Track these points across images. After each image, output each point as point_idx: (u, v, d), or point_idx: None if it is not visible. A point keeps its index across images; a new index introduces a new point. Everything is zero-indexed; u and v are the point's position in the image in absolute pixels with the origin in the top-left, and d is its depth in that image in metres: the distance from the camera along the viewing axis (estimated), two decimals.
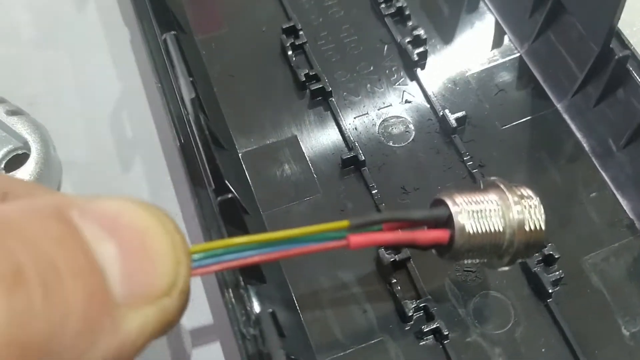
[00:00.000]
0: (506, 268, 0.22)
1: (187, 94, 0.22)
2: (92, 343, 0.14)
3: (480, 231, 0.21)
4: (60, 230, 0.15)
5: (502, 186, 0.22)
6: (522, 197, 0.21)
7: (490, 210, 0.21)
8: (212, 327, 0.27)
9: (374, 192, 0.29)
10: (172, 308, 0.16)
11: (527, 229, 0.21)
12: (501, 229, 0.21)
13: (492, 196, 0.21)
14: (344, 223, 0.20)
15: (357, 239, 0.20)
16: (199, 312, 0.28)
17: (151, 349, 0.27)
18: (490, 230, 0.21)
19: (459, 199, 0.21)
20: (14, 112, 0.30)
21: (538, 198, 0.22)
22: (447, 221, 0.21)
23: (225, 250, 0.19)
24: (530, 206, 0.21)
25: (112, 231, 0.15)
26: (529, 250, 0.22)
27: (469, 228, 0.21)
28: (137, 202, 0.16)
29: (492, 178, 0.22)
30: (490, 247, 0.21)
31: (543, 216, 0.21)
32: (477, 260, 0.22)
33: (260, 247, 0.19)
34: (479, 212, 0.21)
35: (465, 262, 0.22)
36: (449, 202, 0.21)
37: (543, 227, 0.21)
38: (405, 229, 0.21)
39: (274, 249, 0.20)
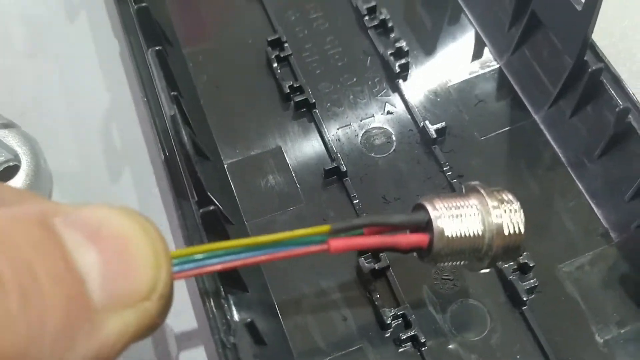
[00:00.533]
0: (486, 270, 0.23)
1: (167, 110, 0.23)
2: (70, 347, 0.15)
3: (459, 235, 0.21)
4: (41, 237, 0.15)
5: (482, 191, 0.22)
6: (502, 201, 0.22)
7: (469, 215, 0.21)
8: (196, 332, 0.28)
9: (355, 202, 0.29)
10: (153, 312, 0.16)
11: (506, 232, 0.22)
12: (480, 233, 0.22)
13: (472, 201, 0.22)
14: (325, 228, 0.21)
15: (337, 243, 0.21)
16: (184, 317, 0.28)
17: (137, 354, 0.28)
18: (469, 234, 0.21)
19: (438, 203, 0.22)
20: (5, 125, 0.30)
21: (518, 203, 0.22)
22: (426, 225, 0.22)
23: (207, 255, 0.19)
24: (510, 210, 0.22)
25: (94, 238, 0.16)
26: (508, 254, 0.22)
27: (447, 232, 0.21)
28: (121, 210, 0.17)
29: (473, 183, 0.23)
30: (470, 251, 0.22)
31: (523, 220, 0.22)
32: (457, 263, 0.22)
33: (241, 251, 0.20)
34: (458, 216, 0.21)
35: (445, 264, 0.22)
36: (429, 207, 0.22)
37: (522, 231, 0.22)
38: (385, 234, 0.22)
39: (255, 254, 0.20)
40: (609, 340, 0.26)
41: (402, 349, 0.26)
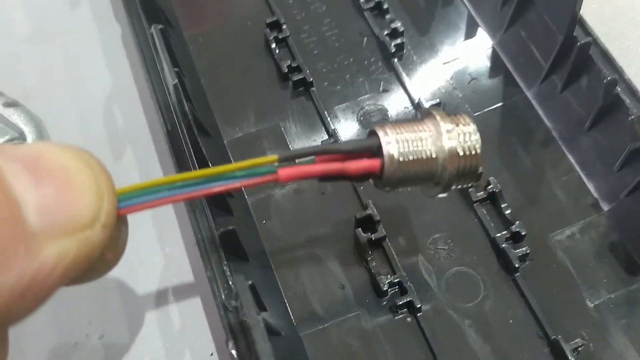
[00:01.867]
0: (444, 195, 0.23)
1: (170, 81, 0.24)
2: (5, 267, 0.15)
3: (410, 158, 0.21)
4: None
5: (436, 114, 0.22)
6: (457, 123, 0.22)
7: (421, 138, 0.21)
8: (193, 285, 0.29)
9: None
10: (94, 240, 0.17)
11: (460, 153, 0.21)
12: (433, 155, 0.21)
13: (426, 125, 0.22)
14: (274, 157, 0.20)
15: (286, 171, 0.20)
16: (181, 271, 0.29)
17: (133, 289, 0.29)
18: (420, 156, 0.21)
19: (390, 129, 0.21)
20: (11, 104, 0.31)
21: (475, 126, 0.22)
22: (378, 151, 0.21)
23: (156, 189, 0.19)
24: (465, 133, 0.22)
25: (32, 168, 0.17)
26: (465, 176, 0.22)
27: (398, 156, 0.21)
28: (61, 145, 0.18)
29: (428, 107, 0.23)
30: (424, 174, 0.22)
31: (478, 142, 0.22)
32: (413, 188, 0.22)
33: (192, 184, 0.20)
34: (409, 140, 0.21)
35: (401, 189, 0.22)
36: (380, 132, 0.21)
37: (478, 152, 0.22)
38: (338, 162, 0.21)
39: (205, 186, 0.20)
40: (599, 304, 0.27)
41: (398, 316, 0.27)
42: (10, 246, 0.15)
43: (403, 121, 0.22)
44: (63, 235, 0.17)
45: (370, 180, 0.23)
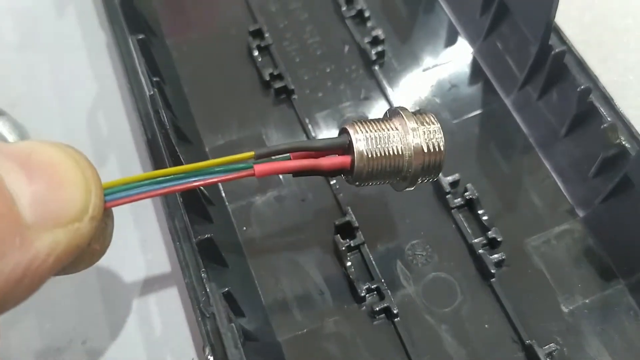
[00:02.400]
0: (411, 188, 0.24)
1: (147, 92, 0.24)
2: (2, 256, 0.17)
3: (378, 154, 0.23)
4: None
5: (402, 114, 0.23)
6: (422, 122, 0.23)
7: (389, 136, 0.23)
8: (169, 275, 0.30)
9: (332, 182, 0.30)
10: (83, 232, 0.18)
11: (425, 150, 0.23)
12: (399, 152, 0.23)
13: (394, 123, 0.23)
14: (250, 154, 0.22)
15: (262, 167, 0.22)
16: (163, 277, 0.30)
17: (116, 295, 0.29)
18: (388, 153, 0.23)
19: (360, 126, 0.23)
20: None
21: (439, 124, 0.23)
22: (349, 147, 0.23)
23: (138, 184, 0.21)
24: (430, 131, 0.23)
25: (24, 165, 0.18)
26: (429, 171, 0.23)
27: (367, 152, 0.23)
28: (50, 142, 0.19)
29: (396, 107, 0.24)
30: (391, 169, 0.23)
31: (442, 139, 0.23)
32: (382, 183, 0.24)
33: (171, 179, 0.21)
34: (377, 138, 0.23)
35: (370, 184, 0.24)
36: (350, 130, 0.23)
37: (442, 149, 0.23)
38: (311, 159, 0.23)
39: (183, 181, 0.21)
40: (574, 309, 0.27)
41: (376, 321, 0.27)
42: (7, 238, 0.17)
43: (372, 120, 0.23)
44: (55, 227, 0.18)
45: (342, 175, 0.24)
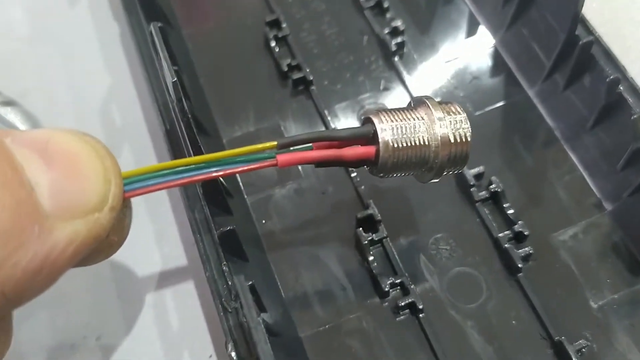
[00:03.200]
0: (436, 180, 0.23)
1: (169, 78, 0.23)
2: (20, 245, 0.16)
3: (404, 145, 0.22)
4: None
5: (428, 103, 0.23)
6: (448, 112, 0.23)
7: (415, 125, 0.22)
8: (191, 286, 0.29)
9: (353, 175, 0.30)
10: (103, 222, 0.18)
11: (452, 140, 0.22)
12: (426, 142, 0.22)
13: (419, 113, 0.23)
14: (272, 144, 0.21)
15: (284, 157, 0.21)
16: (179, 271, 0.29)
17: (131, 290, 0.28)
18: (414, 143, 0.22)
19: (384, 116, 0.22)
20: (8, 102, 0.31)
21: (465, 114, 0.23)
22: (373, 137, 0.22)
23: (158, 174, 0.20)
24: (456, 121, 0.23)
25: (43, 153, 0.17)
26: (456, 162, 0.23)
27: (393, 142, 0.22)
28: (69, 130, 0.18)
29: (420, 96, 0.23)
30: (417, 160, 0.22)
31: (469, 129, 0.23)
32: (406, 174, 0.23)
33: (192, 169, 0.20)
34: (403, 127, 0.22)
35: (395, 176, 0.23)
36: (375, 120, 0.22)
37: (469, 139, 0.23)
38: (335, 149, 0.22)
39: (204, 171, 0.21)
40: (603, 305, 0.26)
41: (400, 317, 0.27)
42: (26, 227, 0.16)
43: (397, 109, 0.23)
44: (74, 217, 0.17)
45: (365, 167, 0.23)
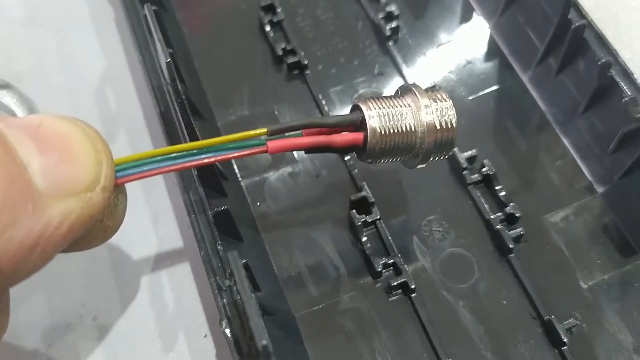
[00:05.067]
0: (422, 165, 0.24)
1: (163, 59, 0.23)
2: (15, 221, 0.17)
3: (391, 131, 0.23)
4: None
5: (415, 90, 0.23)
6: (435, 99, 0.23)
7: (402, 113, 0.23)
8: (181, 248, 0.29)
9: (346, 158, 0.30)
10: (95, 202, 0.19)
11: (438, 127, 0.23)
12: (412, 129, 0.23)
13: (406, 100, 0.23)
14: (263, 130, 0.22)
15: (275, 144, 0.22)
16: (175, 253, 0.29)
17: (127, 271, 0.28)
18: (401, 130, 0.23)
19: (372, 103, 0.23)
20: (3, 86, 0.31)
21: (451, 101, 0.23)
22: (361, 124, 0.23)
23: (149, 160, 0.20)
24: (442, 108, 0.23)
25: (34, 136, 0.18)
26: (441, 148, 0.23)
27: (380, 129, 0.22)
28: (59, 115, 0.19)
29: (407, 84, 0.24)
30: (404, 146, 0.23)
31: (455, 116, 0.23)
32: (394, 160, 0.24)
33: (182, 156, 0.21)
34: (390, 114, 0.23)
35: (382, 161, 0.24)
36: (363, 107, 0.23)
37: (454, 126, 0.23)
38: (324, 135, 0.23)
39: (195, 157, 0.21)
40: (593, 285, 0.27)
41: (392, 297, 0.27)
42: (19, 204, 0.17)
43: (385, 97, 0.23)
44: (67, 196, 0.18)
45: (354, 153, 0.24)
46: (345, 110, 0.31)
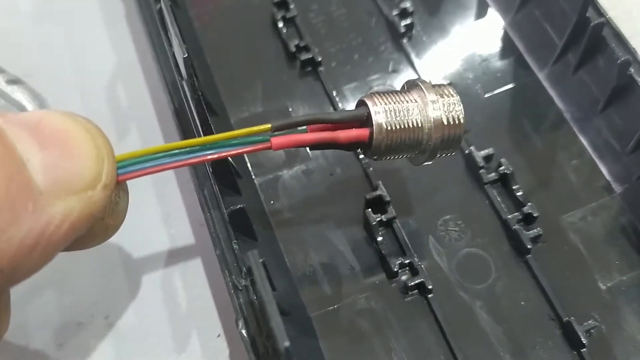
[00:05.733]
0: (429, 162, 0.24)
1: (179, 54, 0.23)
2: (15, 220, 0.16)
3: (398, 127, 0.22)
4: None
5: (422, 86, 0.23)
6: (441, 95, 0.23)
7: (408, 108, 0.22)
8: (193, 246, 0.29)
9: (361, 156, 0.30)
10: (96, 200, 0.18)
11: (445, 123, 0.22)
12: (419, 125, 0.22)
13: (413, 95, 0.23)
14: (267, 126, 0.21)
15: (279, 140, 0.21)
16: (187, 252, 0.29)
17: (139, 269, 0.28)
18: (407, 126, 0.22)
19: (378, 98, 0.22)
20: (14, 81, 0.30)
21: (458, 97, 0.23)
22: (367, 120, 0.22)
23: (152, 157, 0.20)
24: (449, 104, 0.23)
25: (34, 132, 0.17)
26: (448, 145, 0.23)
27: (386, 125, 0.22)
28: (60, 111, 0.19)
29: (414, 79, 0.23)
30: (410, 142, 0.23)
31: (462, 112, 0.23)
32: (400, 157, 0.23)
33: (187, 152, 0.20)
34: (397, 110, 0.22)
35: (388, 158, 0.23)
36: (369, 102, 0.22)
37: (462, 122, 0.23)
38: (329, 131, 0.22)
39: (198, 154, 0.21)
40: (611, 286, 0.26)
41: (408, 297, 0.27)
42: (19, 202, 0.16)
43: (390, 92, 0.23)
44: (67, 194, 0.17)
45: (359, 150, 0.23)
46: None
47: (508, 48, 0.32)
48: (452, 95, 0.23)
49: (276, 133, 0.21)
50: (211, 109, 0.29)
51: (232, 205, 0.25)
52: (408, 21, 0.33)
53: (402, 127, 0.22)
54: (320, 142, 0.22)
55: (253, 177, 0.30)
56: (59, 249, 0.18)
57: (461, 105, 0.23)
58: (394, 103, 0.22)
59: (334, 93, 0.31)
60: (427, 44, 0.33)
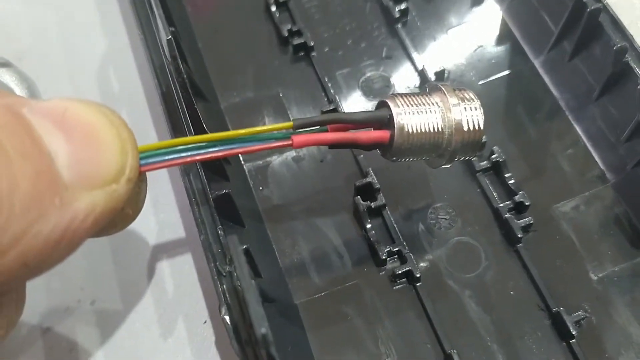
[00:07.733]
0: (447, 166, 0.23)
1: (164, 37, 0.23)
2: (41, 216, 0.16)
3: (419, 130, 0.22)
4: (9, 120, 0.17)
5: (443, 89, 0.23)
6: (463, 99, 0.23)
7: (430, 111, 0.22)
8: (187, 252, 0.29)
9: None
10: (120, 193, 0.18)
11: (465, 128, 0.22)
12: (440, 129, 0.22)
13: (434, 98, 0.23)
14: (288, 124, 0.21)
15: (300, 138, 0.21)
16: (175, 237, 0.29)
17: (126, 255, 0.28)
18: (429, 129, 0.22)
19: (400, 100, 0.22)
20: (2, 64, 0.30)
21: (479, 101, 0.23)
22: (388, 122, 0.22)
23: (173, 149, 0.20)
24: (470, 108, 0.22)
25: (60, 124, 0.17)
26: (468, 149, 0.23)
27: (408, 127, 0.22)
28: (85, 101, 0.18)
29: (436, 82, 0.23)
30: (430, 146, 0.22)
31: (482, 117, 0.22)
32: (419, 159, 0.23)
33: (207, 146, 0.20)
34: (419, 112, 0.22)
35: (407, 160, 0.23)
36: (391, 104, 0.22)
37: (482, 127, 0.22)
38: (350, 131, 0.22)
39: (221, 148, 0.21)
40: (603, 277, 0.26)
41: (396, 286, 0.26)
42: (47, 197, 0.16)
43: (412, 94, 0.23)
44: (92, 188, 0.17)
45: (378, 150, 0.23)
46: (352, 94, 0.31)
47: (504, 34, 0.32)
48: (474, 100, 0.23)
49: (297, 131, 0.22)
50: (201, 93, 0.29)
51: (218, 190, 0.25)
52: (403, 6, 0.32)
53: (423, 130, 0.22)
54: (341, 142, 0.22)
55: (242, 163, 0.29)
56: (83, 241, 0.18)
57: (482, 109, 0.23)
58: (416, 105, 0.22)
59: (326, 79, 0.31)
60: (422, 30, 0.32)
